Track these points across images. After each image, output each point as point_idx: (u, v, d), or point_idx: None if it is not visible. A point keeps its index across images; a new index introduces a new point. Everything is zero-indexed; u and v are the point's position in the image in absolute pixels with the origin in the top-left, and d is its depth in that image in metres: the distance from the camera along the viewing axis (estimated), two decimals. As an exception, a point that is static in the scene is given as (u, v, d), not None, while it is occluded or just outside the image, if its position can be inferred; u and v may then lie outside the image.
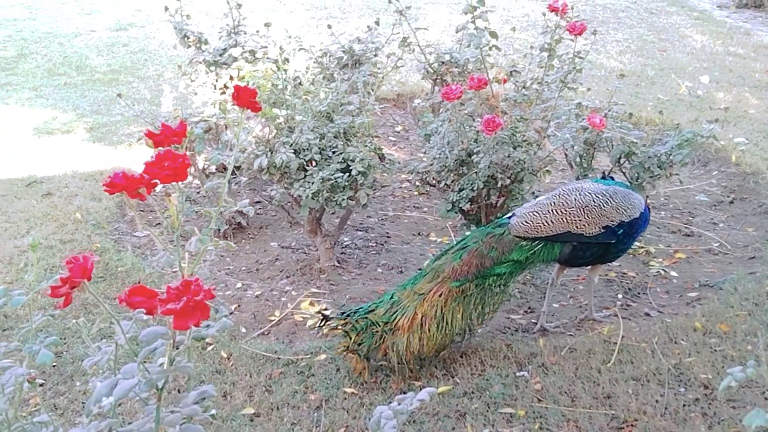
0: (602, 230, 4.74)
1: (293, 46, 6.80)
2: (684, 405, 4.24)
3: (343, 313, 4.76)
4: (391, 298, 4.70)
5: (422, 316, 4.56)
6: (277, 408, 4.38)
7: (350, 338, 4.58)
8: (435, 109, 6.98)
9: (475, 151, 5.44)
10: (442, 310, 4.58)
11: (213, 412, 2.66)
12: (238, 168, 5.85)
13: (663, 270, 5.83)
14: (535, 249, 4.72)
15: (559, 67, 5.83)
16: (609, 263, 5.45)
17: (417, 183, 5.99)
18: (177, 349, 2.32)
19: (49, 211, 7.06)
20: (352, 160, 5.44)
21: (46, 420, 2.55)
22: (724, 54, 11.88)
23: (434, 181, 5.85)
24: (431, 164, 5.82)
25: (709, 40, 12.63)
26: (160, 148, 2.60)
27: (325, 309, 5.39)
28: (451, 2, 14.17)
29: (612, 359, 4.67)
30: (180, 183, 2.53)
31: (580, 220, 4.71)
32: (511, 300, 5.40)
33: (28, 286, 2.49)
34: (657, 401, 4.27)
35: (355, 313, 4.69)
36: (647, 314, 5.27)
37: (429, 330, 4.55)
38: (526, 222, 4.71)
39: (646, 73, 10.82)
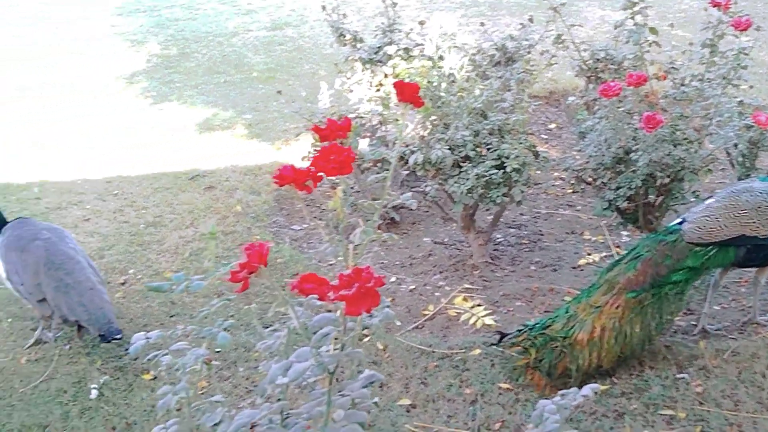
0: None
1: (447, 44, 6.85)
2: None
3: (519, 330, 4.69)
4: (566, 312, 4.60)
5: (601, 329, 4.45)
6: (433, 400, 4.44)
7: (531, 354, 4.51)
8: (590, 107, 6.89)
9: (633, 148, 5.35)
10: (620, 322, 4.46)
11: (376, 399, 2.74)
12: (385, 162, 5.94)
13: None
14: (710, 254, 4.54)
15: (721, 63, 5.67)
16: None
17: (572, 180, 5.93)
18: (347, 335, 2.39)
19: (211, 203, 7.35)
20: (507, 157, 5.44)
21: (221, 400, 2.68)
22: None
23: (590, 179, 5.79)
24: (587, 162, 5.75)
25: None
26: (325, 143, 2.68)
27: (479, 305, 5.42)
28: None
29: (777, 364, 4.53)
30: (345, 176, 2.60)
31: (753, 222, 4.51)
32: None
33: (203, 271, 2.62)
34: (825, 408, 4.13)
35: (531, 328, 4.62)
36: (814, 318, 5.07)
37: (608, 343, 4.44)
38: (699, 228, 4.54)
39: (812, 71, 10.37)
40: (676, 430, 4.05)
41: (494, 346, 4.80)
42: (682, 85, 5.95)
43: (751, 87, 7.28)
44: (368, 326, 2.63)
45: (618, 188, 5.47)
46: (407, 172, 6.24)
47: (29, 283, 5.15)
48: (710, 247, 4.54)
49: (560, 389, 2.60)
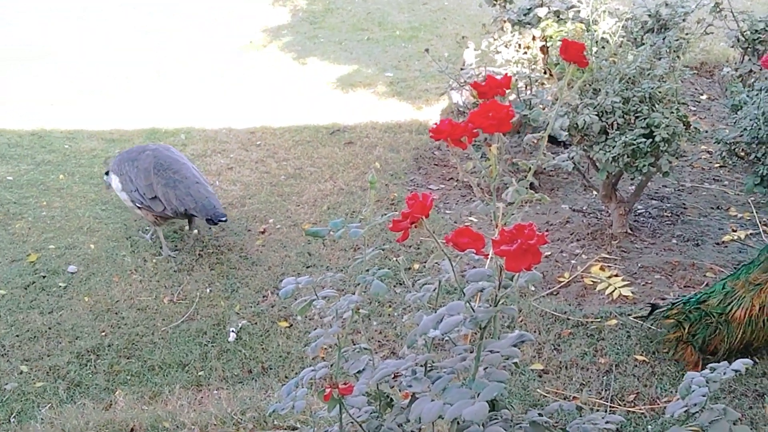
0: None
1: (601, 8, 6.71)
2: None
3: (673, 303, 4.56)
4: (723, 288, 4.43)
5: (759, 308, 4.25)
6: (566, 367, 4.40)
7: (684, 328, 4.39)
8: (745, 79, 6.65)
9: (792, 123, 5.15)
10: None
11: (516, 360, 2.72)
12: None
13: None
14: None
15: None
16: None
17: (723, 154, 5.73)
18: (504, 291, 2.37)
19: (350, 159, 7.42)
20: (657, 126, 5.29)
21: (368, 347, 2.72)
22: None
23: (743, 153, 5.59)
24: (740, 135, 5.55)
25: None
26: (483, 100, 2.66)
27: (616, 275, 5.32)
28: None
29: None
30: (501, 134, 2.57)
31: None
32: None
33: (362, 220, 2.65)
34: None
35: (685, 303, 4.48)
36: None
37: (765, 322, 4.25)
38: None
39: None
40: (821, 417, 3.91)
41: (640, 319, 4.70)
42: None
43: None
44: (516, 286, 2.61)
45: (772, 164, 5.27)
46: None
47: (142, 185, 5.75)
48: None
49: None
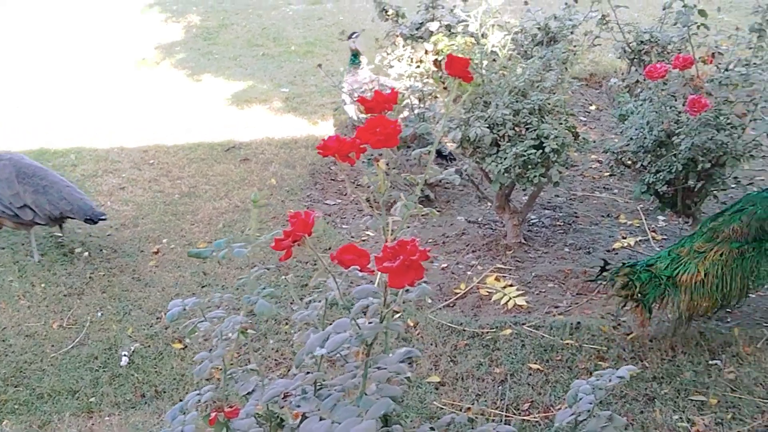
0: None
1: (490, 22, 6.80)
2: None
3: (623, 264, 4.72)
4: (669, 254, 4.68)
5: (704, 274, 4.50)
6: (462, 379, 4.42)
7: (636, 287, 4.56)
8: (631, 90, 6.81)
9: (675, 132, 5.27)
10: (722, 270, 4.51)
11: (409, 374, 2.72)
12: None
13: None
14: None
15: (769, 49, 5.57)
16: None
17: (611, 163, 5.86)
18: (390, 308, 2.36)
19: (246, 176, 7.36)
20: (546, 137, 5.39)
21: (255, 368, 2.68)
22: None
23: (630, 162, 5.71)
24: (627, 144, 5.67)
25: None
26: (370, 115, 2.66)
27: (511, 285, 5.39)
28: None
29: (816, 354, 4.47)
30: (388, 150, 2.58)
31: None
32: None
33: (244, 239, 2.61)
34: None
35: (633, 265, 4.68)
36: None
37: (710, 288, 4.50)
38: None
39: None
40: (707, 417, 4.00)
41: (597, 276, 4.84)
42: (726, 69, 5.85)
43: (798, 74, 7.16)
44: (405, 301, 2.60)
45: (658, 172, 5.39)
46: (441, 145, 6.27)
47: (7, 195, 5.73)
48: None
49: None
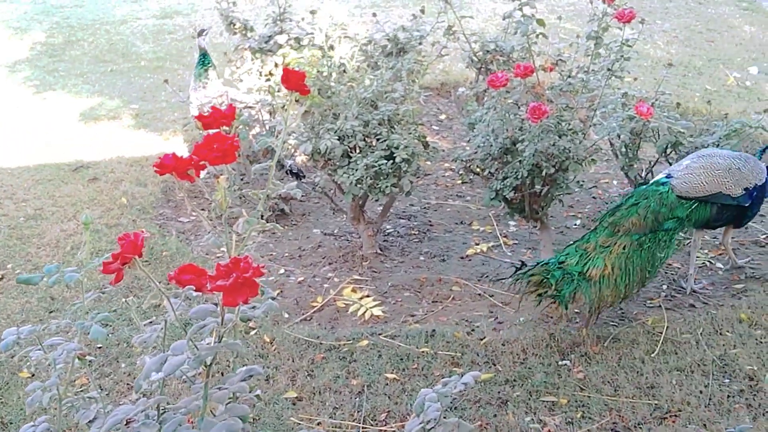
0: (743, 192, 5.08)
1: (338, 34, 6.81)
2: (728, 396, 4.21)
3: (537, 263, 4.97)
4: (576, 251, 4.96)
5: (611, 267, 4.82)
6: (319, 392, 4.40)
7: (551, 285, 4.81)
8: (479, 98, 6.94)
9: (519, 139, 5.40)
10: (626, 262, 4.85)
11: (258, 392, 2.69)
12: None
13: (709, 261, 5.77)
14: (693, 208, 5.03)
15: (606, 55, 5.77)
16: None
17: (461, 171, 5.96)
18: (225, 327, 2.33)
19: (95, 195, 7.15)
20: (396, 148, 5.44)
21: (95, 396, 2.59)
22: (774, 45, 11.72)
23: (478, 170, 5.82)
24: (475, 152, 5.78)
25: (759, 30, 12.44)
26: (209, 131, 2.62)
27: (368, 296, 5.41)
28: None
29: (656, 350, 4.65)
30: (228, 166, 2.56)
31: (727, 181, 5.04)
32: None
33: (78, 264, 2.53)
34: (701, 392, 4.24)
35: (546, 263, 4.93)
36: (692, 305, 5.21)
37: (616, 280, 4.81)
38: (686, 183, 5.02)
39: (693, 64, 10.69)
40: (558, 416, 4.11)
41: (512, 276, 4.99)
42: (569, 76, 6.04)
43: (635, 79, 7.46)
44: (251, 318, 2.57)
45: (505, 178, 5.51)
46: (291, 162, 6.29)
47: None
48: (693, 201, 5.03)
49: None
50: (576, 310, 5.18)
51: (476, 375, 2.79)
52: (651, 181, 5.33)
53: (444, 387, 2.79)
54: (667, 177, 5.12)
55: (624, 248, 4.87)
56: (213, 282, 2.14)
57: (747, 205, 5.14)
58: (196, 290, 2.25)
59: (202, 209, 6.78)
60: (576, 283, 4.81)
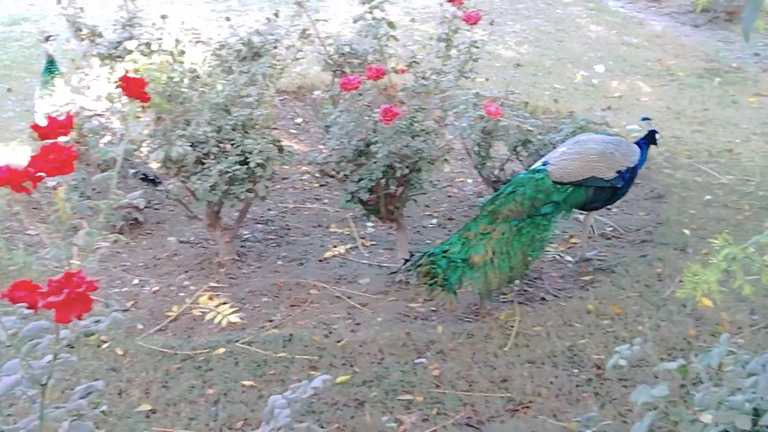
0: (617, 174, 5.41)
1: (190, 38, 6.70)
2: (577, 385, 4.35)
3: (423, 254, 5.19)
4: (459, 239, 5.18)
5: (492, 252, 5.08)
6: (174, 404, 4.31)
7: (439, 274, 5.02)
8: (335, 101, 6.93)
9: (373, 141, 5.44)
10: (506, 247, 5.11)
11: (104, 408, 2.62)
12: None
13: (559, 255, 5.95)
14: (569, 192, 5.30)
15: (457, 57, 5.86)
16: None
17: (316, 174, 5.96)
18: (61, 344, 2.27)
19: (-65, 209, 6.84)
20: (250, 153, 5.41)
21: None
22: (618, 44, 12.18)
23: (333, 172, 5.83)
24: (330, 155, 5.79)
25: (605, 30, 12.92)
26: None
27: (225, 303, 5.36)
28: (354, -6, 14.16)
29: (508, 343, 4.76)
30: (69, 176, 2.50)
31: (601, 166, 5.35)
32: (410, 288, 5.42)
33: None
34: (551, 382, 4.37)
35: (431, 254, 5.14)
36: (543, 299, 5.37)
37: (499, 265, 5.08)
38: (561, 168, 5.29)
39: (543, 63, 11.02)
40: (414, 414, 4.15)
41: (402, 268, 5.28)
42: (423, 78, 6.12)
43: (486, 79, 7.64)
44: (95, 332, 2.50)
45: (360, 180, 5.54)
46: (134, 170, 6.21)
47: None
48: (569, 186, 5.30)
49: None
50: (432, 308, 5.27)
51: (326, 378, 2.80)
52: (529, 169, 5.58)
53: (294, 393, 2.79)
54: (543, 164, 5.37)
55: (503, 234, 5.13)
56: (44, 298, 2.09)
57: (620, 186, 5.48)
58: (28, 307, 2.18)
59: (40, 221, 6.60)
60: (461, 270, 5.04)
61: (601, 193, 5.45)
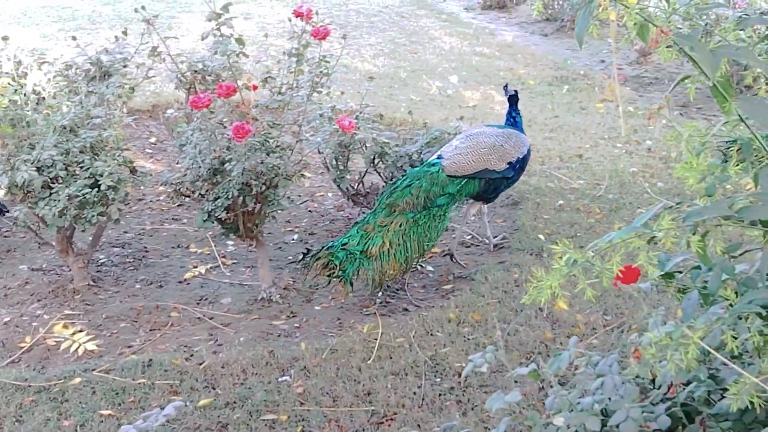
0: (507, 166, 5.78)
1: (34, 60, 6.48)
2: (440, 394, 4.40)
3: (322, 247, 5.41)
4: (358, 232, 5.46)
5: (389, 244, 5.38)
6: (29, 438, 4.16)
7: (336, 266, 5.30)
8: (189, 119, 6.85)
9: (227, 159, 5.38)
10: (403, 238, 5.42)
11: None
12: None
13: (420, 265, 6.01)
14: (462, 184, 5.65)
15: (309, 72, 5.86)
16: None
17: (172, 194, 5.85)
18: None
19: None
20: (101, 175, 5.27)
21: None
22: (471, 54, 12.47)
23: (189, 192, 5.73)
24: (185, 174, 5.69)
25: (458, 41, 13.20)
26: None
27: (81, 331, 5.19)
28: (207, 11, 13.98)
29: (372, 356, 4.78)
30: None
31: (492, 158, 5.71)
32: (273, 306, 5.40)
33: None
34: (415, 393, 4.41)
35: (330, 247, 5.39)
36: (405, 309, 5.42)
37: (396, 255, 5.39)
38: (455, 163, 5.63)
39: (398, 75, 11.16)
40: (278, 434, 4.12)
41: (295, 264, 5.63)
42: (279, 93, 6.09)
43: (342, 93, 7.65)
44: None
45: (216, 199, 5.46)
46: None
47: None
48: (462, 178, 5.64)
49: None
50: (296, 325, 5.24)
51: (178, 405, 2.75)
52: (424, 162, 5.86)
53: (145, 422, 2.72)
54: (438, 158, 5.70)
55: (400, 225, 5.44)
56: None
57: (510, 176, 5.84)
58: None
59: None
60: (358, 261, 5.33)
61: (492, 183, 5.80)
